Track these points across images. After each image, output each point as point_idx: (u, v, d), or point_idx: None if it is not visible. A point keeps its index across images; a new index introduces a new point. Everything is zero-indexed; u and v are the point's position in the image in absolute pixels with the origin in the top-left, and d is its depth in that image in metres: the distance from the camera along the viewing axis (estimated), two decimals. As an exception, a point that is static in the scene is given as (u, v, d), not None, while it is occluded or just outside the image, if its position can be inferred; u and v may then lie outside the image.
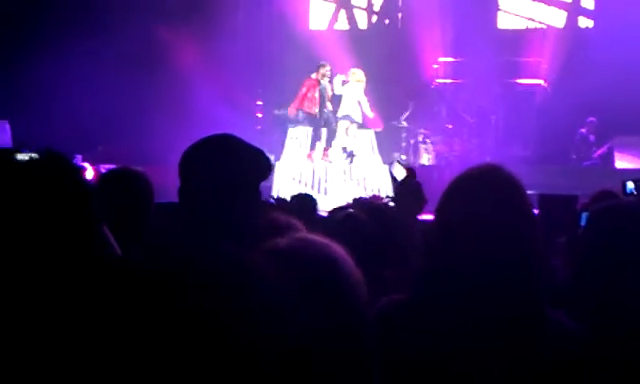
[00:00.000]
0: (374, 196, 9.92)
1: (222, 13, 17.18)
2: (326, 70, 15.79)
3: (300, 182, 14.96)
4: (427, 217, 6.96)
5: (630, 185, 4.39)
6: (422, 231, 5.28)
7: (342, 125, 15.78)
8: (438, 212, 2.29)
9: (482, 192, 2.21)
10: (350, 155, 15.75)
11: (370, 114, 15.95)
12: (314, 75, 15.84)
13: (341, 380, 1.90)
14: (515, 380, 2.11)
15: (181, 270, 1.67)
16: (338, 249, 2.09)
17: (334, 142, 15.93)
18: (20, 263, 1.84)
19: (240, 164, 2.26)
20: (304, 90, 15.85)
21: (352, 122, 15.74)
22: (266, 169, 2.37)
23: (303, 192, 6.77)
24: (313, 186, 14.88)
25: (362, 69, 16.08)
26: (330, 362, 1.87)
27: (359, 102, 15.64)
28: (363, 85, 15.57)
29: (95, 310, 1.86)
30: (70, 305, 1.85)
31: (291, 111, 16.09)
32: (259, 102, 17.76)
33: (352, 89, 15.52)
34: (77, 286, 1.88)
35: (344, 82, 15.57)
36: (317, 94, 15.79)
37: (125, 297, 1.81)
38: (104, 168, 11.97)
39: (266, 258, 2.06)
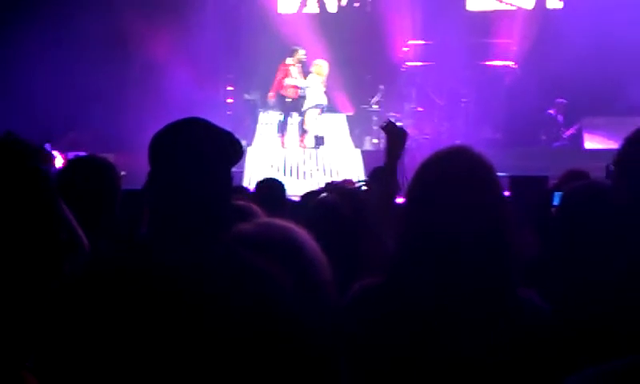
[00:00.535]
0: (346, 180, 9.93)
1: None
2: (301, 54, 15.78)
3: (272, 167, 14.94)
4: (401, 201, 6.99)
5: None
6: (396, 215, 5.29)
7: (310, 113, 15.78)
8: (409, 194, 2.30)
9: (452, 173, 2.23)
10: (319, 142, 15.76)
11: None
12: (288, 60, 15.81)
13: (309, 362, 1.92)
14: (487, 357, 2.12)
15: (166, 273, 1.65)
16: (301, 232, 2.11)
17: (306, 128, 15.92)
18: None
19: (209, 147, 2.24)
20: (280, 75, 15.81)
21: (318, 108, 15.74)
22: (237, 152, 2.35)
23: (271, 177, 6.74)
24: (285, 172, 14.87)
25: (332, 52, 16.07)
26: (299, 344, 1.88)
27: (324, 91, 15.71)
28: (323, 78, 15.61)
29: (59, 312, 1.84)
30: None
31: (270, 97, 16.04)
32: (229, 88, 17.67)
33: (315, 80, 15.56)
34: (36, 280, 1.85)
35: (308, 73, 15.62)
36: (292, 80, 15.77)
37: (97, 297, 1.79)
38: (73, 156, 11.89)
39: (234, 244, 2.07)
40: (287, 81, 15.75)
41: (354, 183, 8.54)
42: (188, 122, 2.31)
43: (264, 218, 2.22)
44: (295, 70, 15.79)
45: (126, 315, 1.84)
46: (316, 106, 15.70)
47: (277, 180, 6.33)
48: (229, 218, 2.23)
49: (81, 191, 3.54)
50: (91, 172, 3.65)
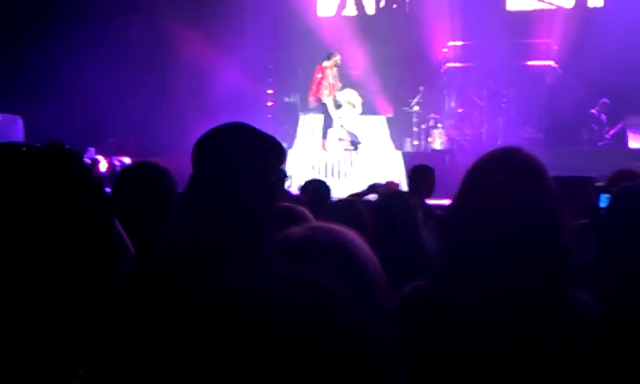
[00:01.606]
0: (389, 182, 9.95)
1: (231, 2, 17.17)
2: (338, 58, 15.81)
3: (313, 169, 14.96)
4: (435, 201, 6.98)
5: None
6: (435, 216, 5.28)
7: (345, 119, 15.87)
8: (458, 197, 2.29)
9: (506, 175, 2.21)
10: (355, 144, 15.78)
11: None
12: (325, 63, 15.84)
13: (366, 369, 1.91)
14: (538, 358, 2.11)
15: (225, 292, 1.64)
16: (352, 234, 2.09)
17: (346, 130, 15.93)
18: (17, 264, 1.81)
19: (253, 151, 2.25)
20: (318, 75, 15.84)
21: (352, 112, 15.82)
22: (280, 156, 2.36)
23: (316, 178, 6.75)
24: (326, 174, 14.89)
25: (371, 54, 16.08)
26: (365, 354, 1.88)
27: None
28: (356, 105, 15.74)
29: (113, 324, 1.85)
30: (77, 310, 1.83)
31: (311, 101, 16.08)
32: (270, 91, 17.73)
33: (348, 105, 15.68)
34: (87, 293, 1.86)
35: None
36: (331, 81, 15.79)
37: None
38: (117, 160, 12.00)
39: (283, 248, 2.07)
40: (325, 83, 15.79)
41: (397, 185, 8.56)
42: (231, 127, 2.32)
43: (313, 222, 2.22)
44: (331, 74, 15.81)
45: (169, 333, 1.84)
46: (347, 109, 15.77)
47: (322, 181, 6.33)
48: (271, 222, 2.23)
49: (138, 198, 3.55)
50: (148, 179, 3.66)
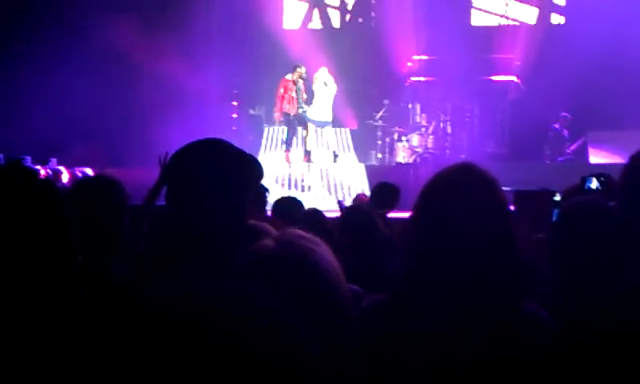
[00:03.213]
0: (359, 194, 10.00)
1: (195, 13, 17.15)
2: (302, 71, 15.83)
3: (276, 182, 14.97)
4: (397, 215, 7.03)
5: (594, 183, 4.32)
6: (397, 231, 5.32)
7: (311, 130, 15.87)
8: (415, 213, 2.31)
9: (457, 191, 2.24)
10: (335, 155, 15.83)
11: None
12: (289, 76, 15.86)
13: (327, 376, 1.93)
14: (492, 372, 2.14)
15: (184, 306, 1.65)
16: (321, 245, 2.12)
17: (315, 143, 15.96)
18: None
19: (230, 168, 2.24)
20: (281, 90, 15.86)
21: (320, 125, 15.82)
22: (258, 173, 2.35)
23: (288, 196, 6.71)
24: (289, 187, 14.90)
25: (336, 67, 16.13)
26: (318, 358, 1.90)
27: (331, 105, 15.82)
28: (329, 89, 15.71)
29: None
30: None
31: (277, 117, 16.06)
32: (234, 103, 17.72)
33: (320, 95, 15.62)
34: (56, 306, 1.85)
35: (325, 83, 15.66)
36: (293, 95, 15.81)
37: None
38: (79, 171, 11.91)
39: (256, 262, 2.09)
40: (287, 97, 15.80)
41: (366, 197, 8.59)
42: (207, 143, 2.30)
43: (288, 230, 2.22)
44: (295, 87, 15.82)
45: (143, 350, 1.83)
46: (318, 124, 15.74)
47: (294, 198, 6.30)
48: (243, 239, 2.23)
49: (90, 211, 3.56)
50: (100, 192, 3.67)
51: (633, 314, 2.01)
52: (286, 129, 16.12)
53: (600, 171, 4.59)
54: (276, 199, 6.29)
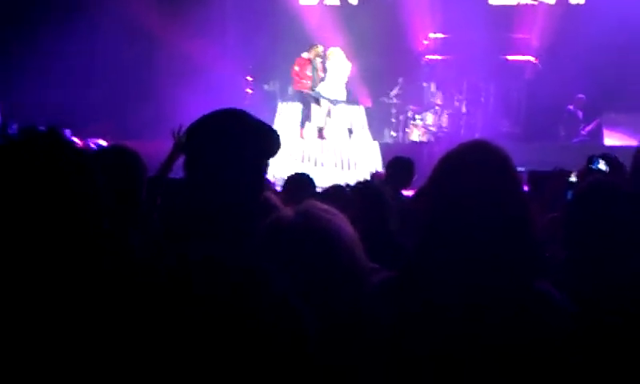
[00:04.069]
0: (375, 172, 9.99)
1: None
2: (320, 50, 15.84)
3: (290, 157, 14.95)
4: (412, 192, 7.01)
5: (601, 164, 4.31)
6: (410, 208, 5.32)
7: (323, 107, 15.92)
8: (428, 189, 2.30)
9: (471, 168, 2.23)
10: (350, 132, 15.89)
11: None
12: (305, 54, 15.85)
13: (343, 350, 1.95)
14: (506, 351, 2.13)
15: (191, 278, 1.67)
16: (340, 217, 2.15)
17: (328, 120, 15.98)
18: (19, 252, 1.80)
19: (249, 138, 2.22)
20: (296, 68, 15.87)
21: (333, 103, 15.90)
22: (277, 145, 2.33)
23: (300, 172, 6.69)
24: (303, 161, 14.90)
25: (352, 44, 16.10)
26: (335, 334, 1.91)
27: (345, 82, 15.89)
28: (342, 67, 15.78)
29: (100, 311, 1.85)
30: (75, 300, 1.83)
31: (290, 90, 16.15)
32: (249, 78, 17.69)
33: (333, 73, 15.66)
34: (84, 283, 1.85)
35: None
36: (309, 73, 15.82)
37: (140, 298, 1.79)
38: (93, 143, 11.94)
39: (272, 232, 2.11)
40: (302, 74, 15.84)
41: (382, 175, 8.58)
42: (229, 114, 2.28)
43: (307, 201, 2.23)
44: (310, 65, 15.84)
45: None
46: (331, 101, 15.80)
47: (306, 174, 6.27)
48: (260, 210, 2.23)
49: (109, 182, 3.53)
50: (118, 163, 3.62)
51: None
52: (300, 105, 16.12)
53: (606, 152, 4.59)
54: (288, 175, 6.27)
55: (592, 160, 4.40)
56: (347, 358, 2.09)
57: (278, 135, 2.34)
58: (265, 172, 2.28)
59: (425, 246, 2.25)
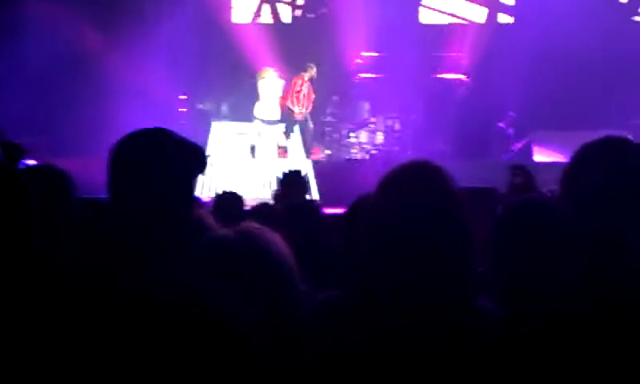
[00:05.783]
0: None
1: (144, 5, 16.99)
2: (314, 71, 16.02)
3: (225, 177, 14.88)
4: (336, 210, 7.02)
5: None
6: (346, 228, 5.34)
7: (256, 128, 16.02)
8: (371, 212, 2.30)
9: (412, 192, 2.23)
10: (285, 150, 15.93)
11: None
12: (306, 76, 16.07)
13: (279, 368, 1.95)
14: (447, 371, 2.14)
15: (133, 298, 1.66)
16: (273, 235, 2.16)
17: (259, 140, 16.04)
18: None
19: (175, 158, 2.21)
20: (299, 88, 16.06)
21: (266, 123, 16.02)
22: (202, 163, 2.32)
23: (229, 190, 6.69)
24: (237, 182, 14.88)
25: (286, 63, 16.15)
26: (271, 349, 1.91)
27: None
28: (274, 87, 15.92)
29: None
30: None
31: (300, 116, 16.19)
32: (183, 97, 17.58)
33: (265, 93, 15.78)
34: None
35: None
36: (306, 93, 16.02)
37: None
38: (21, 162, 11.72)
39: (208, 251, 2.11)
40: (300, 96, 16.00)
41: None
42: (152, 132, 2.26)
43: (245, 223, 2.25)
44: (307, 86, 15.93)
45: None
46: (265, 122, 15.92)
47: (234, 193, 6.30)
48: (192, 229, 2.22)
49: (37, 202, 3.46)
50: (46, 182, 3.56)
51: (571, 310, 2.04)
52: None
53: (519, 164, 4.89)
54: (217, 194, 6.31)
55: (511, 170, 4.67)
56: (286, 377, 2.09)
57: (204, 153, 2.34)
58: (192, 189, 2.26)
59: (366, 269, 2.25)
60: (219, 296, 1.77)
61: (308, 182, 5.94)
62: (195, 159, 2.26)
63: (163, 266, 2.05)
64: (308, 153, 16.09)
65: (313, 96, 16.16)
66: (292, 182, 5.84)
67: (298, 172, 6.26)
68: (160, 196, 2.14)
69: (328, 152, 16.72)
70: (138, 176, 2.15)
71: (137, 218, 2.13)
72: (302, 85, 16.06)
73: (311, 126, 16.29)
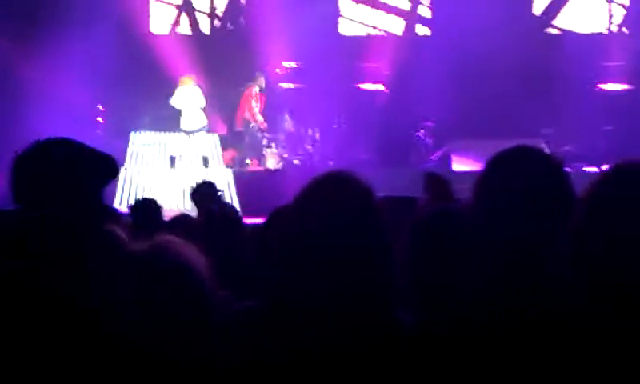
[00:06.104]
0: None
1: (62, 16, 16.69)
2: (262, 80, 16.16)
3: (144, 189, 14.72)
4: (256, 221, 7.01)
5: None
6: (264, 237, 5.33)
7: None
8: (290, 222, 2.29)
9: (332, 203, 2.22)
10: (205, 161, 15.89)
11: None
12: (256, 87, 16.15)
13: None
14: (361, 381, 2.15)
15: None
16: (189, 248, 2.16)
17: (180, 150, 15.96)
18: None
19: (76, 166, 2.19)
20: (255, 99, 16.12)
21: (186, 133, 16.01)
22: (110, 172, 2.30)
23: (146, 197, 6.64)
24: (152, 190, 14.73)
25: (206, 73, 16.10)
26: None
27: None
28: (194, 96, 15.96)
29: None
30: None
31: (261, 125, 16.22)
32: (100, 106, 17.32)
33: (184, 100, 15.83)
34: None
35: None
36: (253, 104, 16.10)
37: None
38: None
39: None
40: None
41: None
42: (52, 142, 2.24)
43: (160, 236, 2.24)
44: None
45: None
46: (187, 132, 15.92)
47: (152, 200, 6.24)
48: (98, 237, 2.20)
49: None
50: None
51: (477, 317, 2.08)
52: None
53: (434, 172, 5.07)
54: (135, 201, 6.26)
55: (425, 176, 4.86)
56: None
57: (112, 161, 2.32)
58: (98, 197, 2.24)
59: (281, 278, 2.24)
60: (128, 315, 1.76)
61: (218, 193, 5.93)
62: (102, 168, 2.25)
63: (65, 273, 2.04)
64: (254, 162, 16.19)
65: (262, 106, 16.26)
66: (203, 193, 5.82)
67: (208, 183, 6.24)
68: (61, 203, 2.12)
69: (248, 162, 16.65)
70: (44, 183, 2.14)
71: (42, 224, 2.11)
72: (255, 95, 16.10)
73: (259, 136, 16.29)
